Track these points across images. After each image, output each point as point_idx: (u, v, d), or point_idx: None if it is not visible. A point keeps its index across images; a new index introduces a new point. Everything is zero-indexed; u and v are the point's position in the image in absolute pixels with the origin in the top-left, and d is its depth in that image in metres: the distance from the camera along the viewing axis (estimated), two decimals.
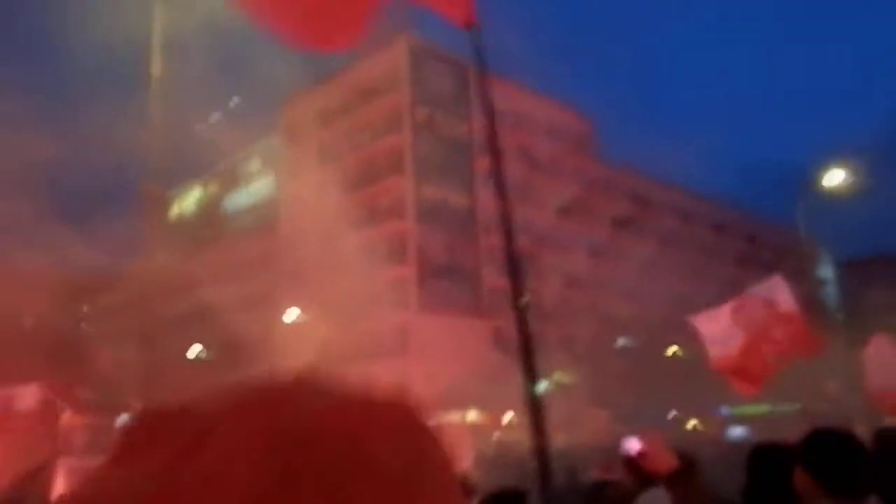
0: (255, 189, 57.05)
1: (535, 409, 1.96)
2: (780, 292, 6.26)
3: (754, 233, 67.13)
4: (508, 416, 34.26)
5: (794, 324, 6.04)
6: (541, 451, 1.95)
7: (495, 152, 2.36)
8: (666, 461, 4.27)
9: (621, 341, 48.67)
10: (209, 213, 60.53)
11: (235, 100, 50.50)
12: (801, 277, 67.33)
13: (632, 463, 4.47)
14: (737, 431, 30.65)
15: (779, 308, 6.10)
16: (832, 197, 26.54)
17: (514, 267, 2.13)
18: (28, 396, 8.99)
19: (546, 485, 1.99)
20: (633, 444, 5.48)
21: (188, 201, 63.19)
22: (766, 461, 3.19)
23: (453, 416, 34.81)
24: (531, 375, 1.99)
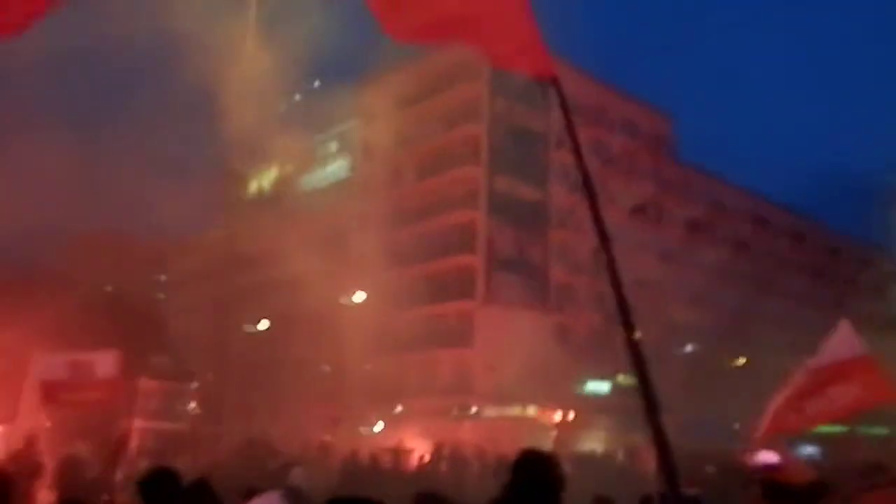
0: (330, 171, 58.04)
1: (660, 438, 1.97)
2: (846, 342, 6.08)
3: (836, 245, 64.48)
4: (559, 415, 34.00)
5: (867, 371, 5.85)
6: (669, 475, 1.97)
7: (591, 194, 2.37)
8: (803, 474, 4.31)
9: (686, 348, 47.59)
10: (285, 191, 61.92)
11: (316, 82, 51.35)
12: (880, 295, 64.68)
13: (765, 475, 4.52)
14: (807, 450, 29.54)
15: (845, 359, 5.93)
16: None
17: (623, 304, 2.13)
18: (107, 363, 9.44)
19: (674, 490, 2.02)
20: (768, 457, 5.52)
21: (266, 179, 64.80)
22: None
23: (512, 410, 34.85)
24: (651, 407, 2.00)
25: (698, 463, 13.65)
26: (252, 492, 4.70)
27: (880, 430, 37.16)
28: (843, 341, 6.10)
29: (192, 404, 37.60)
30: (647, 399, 2.00)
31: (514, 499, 3.00)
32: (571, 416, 33.91)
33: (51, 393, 9.24)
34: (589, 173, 2.38)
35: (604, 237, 2.20)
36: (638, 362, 2.02)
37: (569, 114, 2.43)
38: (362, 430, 31.74)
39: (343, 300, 43.06)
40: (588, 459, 16.50)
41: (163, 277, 55.14)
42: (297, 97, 53.56)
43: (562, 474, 3.07)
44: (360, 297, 41.31)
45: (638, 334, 2.20)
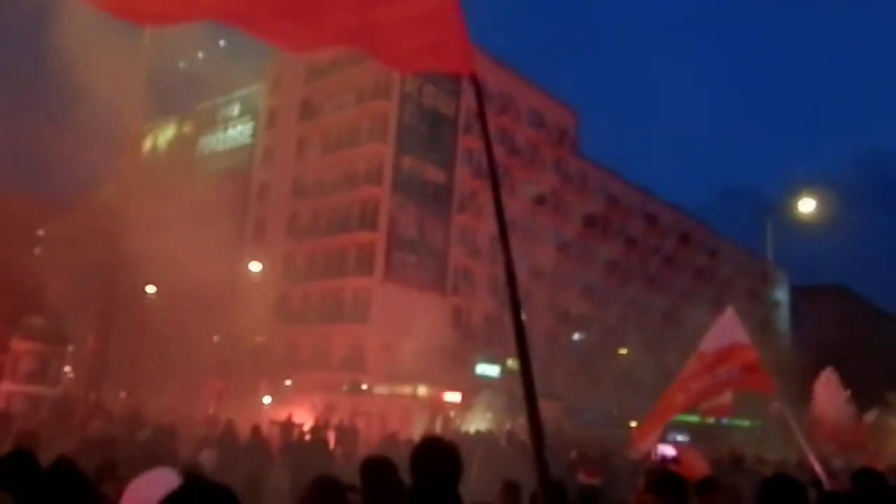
0: (231, 135, 56.24)
1: (535, 421, 2.02)
2: (729, 328, 6.44)
3: (716, 248, 68.22)
4: (452, 396, 34.56)
5: (748, 357, 6.21)
6: (540, 460, 2.02)
7: (495, 183, 2.39)
8: (699, 468, 4.32)
9: (575, 336, 49.35)
10: (182, 152, 59.52)
11: (223, 42, 49.46)
12: (756, 298, 69.01)
13: (656, 467, 4.49)
14: (678, 438, 31.46)
15: (730, 343, 6.27)
16: (801, 223, 27.13)
17: (516, 306, 2.16)
18: None
19: (545, 480, 2.07)
20: (668, 450, 5.67)
21: (161, 138, 62.06)
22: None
23: (404, 389, 35.03)
24: (530, 393, 2.04)
25: (585, 449, 14.20)
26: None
27: (742, 422, 39.94)
28: (728, 327, 6.41)
29: (68, 368, 35.80)
30: (527, 387, 2.07)
31: (417, 486, 3.03)
32: (461, 397, 34.49)
33: None
34: (496, 163, 2.41)
35: (503, 226, 2.24)
36: (522, 349, 2.08)
37: (483, 108, 2.46)
38: (252, 402, 31.16)
39: (238, 270, 41.98)
40: (479, 441, 16.84)
41: (41, 233, 51.97)
42: (200, 55, 51.43)
43: (460, 460, 3.13)
44: (255, 267, 40.38)
45: (524, 318, 2.26)
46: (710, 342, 6.41)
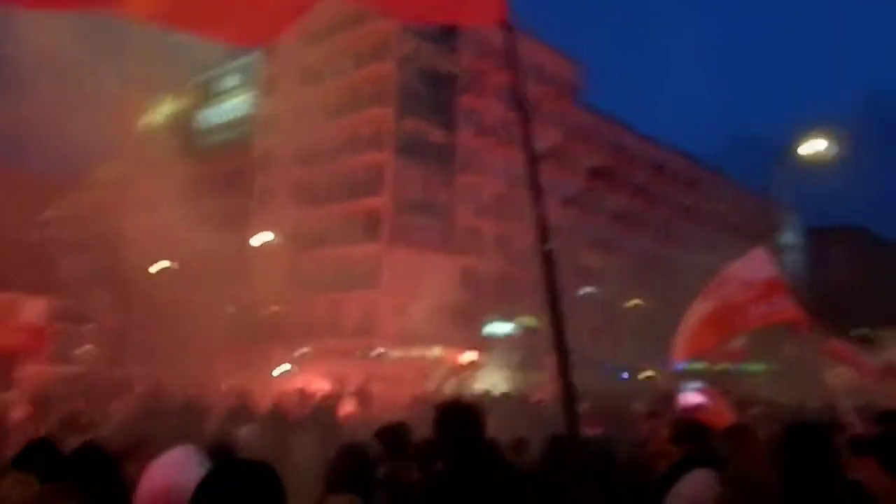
0: (230, 106, 55.83)
1: (566, 379, 1.98)
2: (761, 264, 6.31)
3: (727, 194, 67.72)
4: (467, 356, 34.79)
5: (778, 292, 6.11)
6: (570, 418, 1.99)
7: (531, 154, 2.33)
8: (724, 416, 4.05)
9: (587, 290, 49.33)
10: (180, 126, 59.17)
11: None
12: (765, 242, 68.42)
13: (682, 417, 4.28)
14: (692, 385, 31.58)
15: (758, 279, 6.16)
16: (808, 165, 26.79)
17: (548, 265, 2.12)
18: (35, 309, 8.84)
19: (574, 438, 2.04)
20: (692, 397, 5.38)
21: (159, 112, 61.65)
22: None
23: (418, 352, 35.29)
24: (562, 354, 1.99)
25: (604, 402, 14.21)
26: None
27: (757, 367, 40.03)
28: (756, 263, 6.29)
29: (88, 346, 36.14)
30: (558, 342, 2.03)
31: (442, 452, 3.02)
32: (475, 356, 34.70)
33: None
34: (531, 137, 2.35)
35: (536, 189, 2.19)
36: (555, 314, 2.04)
37: (520, 71, 2.37)
38: (265, 372, 31.49)
39: (247, 240, 42.04)
40: (497, 400, 16.88)
41: (51, 214, 52.11)
42: None
43: (483, 422, 3.10)
44: (265, 237, 40.40)
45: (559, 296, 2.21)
46: (734, 273, 6.29)
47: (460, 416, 3.09)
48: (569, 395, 1.96)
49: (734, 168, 74.08)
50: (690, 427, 3.75)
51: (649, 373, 40.65)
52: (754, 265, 6.31)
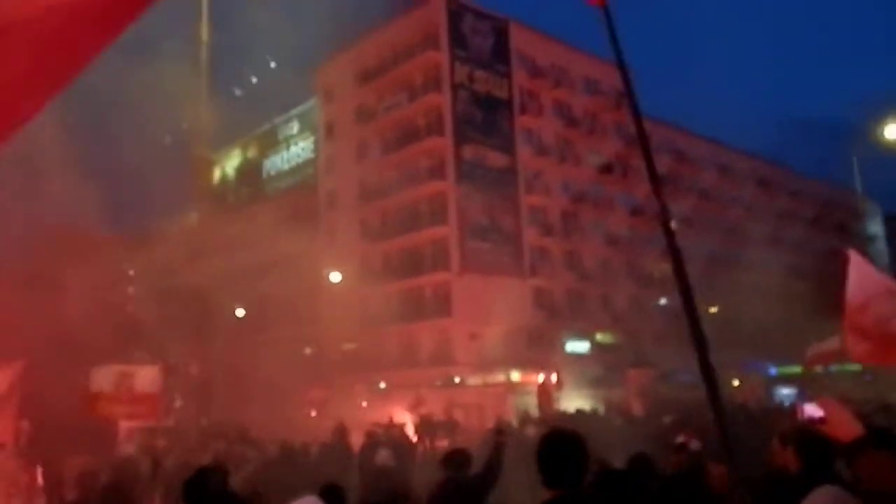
0: (293, 151, 57.45)
1: (710, 376, 2.00)
2: (868, 274, 5.97)
3: (797, 188, 65.49)
4: (541, 377, 34.36)
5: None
6: (718, 414, 2.01)
7: (653, 175, 2.36)
8: (850, 429, 3.82)
9: (662, 302, 48.25)
10: (249, 176, 61.18)
11: (272, 63, 50.48)
12: (846, 233, 65.85)
13: (805, 430, 4.08)
14: (784, 392, 30.34)
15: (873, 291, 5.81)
16: (890, 149, 25.60)
17: (677, 257, 2.15)
18: (148, 377, 9.32)
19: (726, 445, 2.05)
20: (814, 410, 5.15)
21: (229, 165, 63.94)
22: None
23: (496, 377, 35.09)
24: (705, 365, 2.01)
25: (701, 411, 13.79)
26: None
27: (854, 367, 38.13)
28: (863, 275, 5.93)
29: (178, 401, 37.13)
30: (698, 341, 2.04)
31: (551, 481, 2.98)
32: (554, 377, 34.30)
33: (95, 404, 9.13)
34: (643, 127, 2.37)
35: (657, 186, 2.22)
36: (694, 323, 2.05)
37: (620, 51, 2.38)
38: (349, 408, 31.85)
39: (320, 281, 42.88)
40: (584, 419, 16.64)
41: (131, 272, 54.34)
42: (254, 80, 52.65)
43: (586, 449, 3.06)
44: (336, 276, 41.13)
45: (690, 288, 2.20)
46: (855, 297, 5.90)
47: (564, 443, 3.07)
48: (717, 407, 1.96)
49: (804, 156, 71.49)
50: (813, 440, 3.56)
51: (736, 382, 39.31)
52: (863, 280, 5.91)
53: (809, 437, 3.63)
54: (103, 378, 9.09)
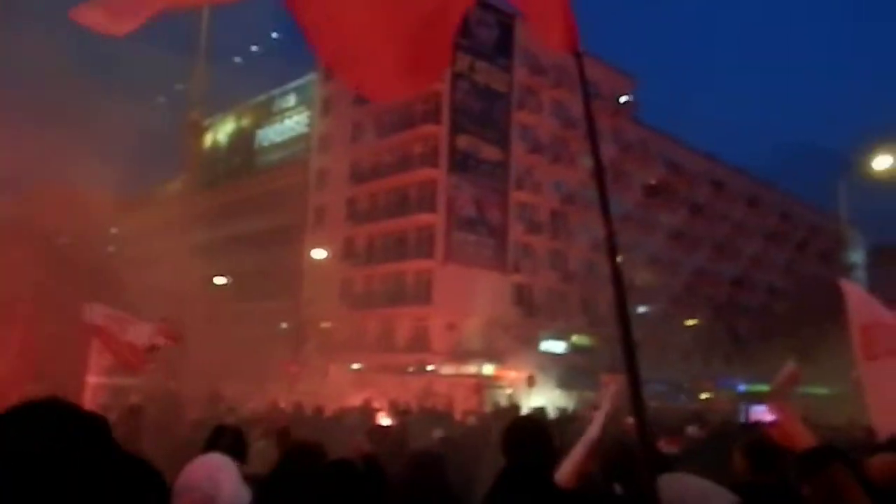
0: (287, 125, 57.05)
1: (637, 395, 1.97)
2: (865, 303, 5.91)
3: (788, 210, 66.02)
4: (517, 373, 34.50)
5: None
6: (643, 439, 1.98)
7: (601, 180, 2.33)
8: (803, 438, 3.72)
9: (641, 308, 48.54)
10: (241, 145, 60.75)
11: (274, 35, 50.03)
12: (829, 260, 66.42)
13: (755, 436, 4.06)
14: (758, 409, 30.50)
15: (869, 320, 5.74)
16: (876, 181, 25.89)
17: (618, 282, 2.10)
18: (144, 332, 9.21)
19: (649, 456, 2.02)
20: (762, 413, 5.09)
21: (222, 132, 63.42)
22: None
23: (469, 369, 35.18)
24: (633, 376, 1.98)
25: (674, 420, 13.91)
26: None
27: (821, 390, 38.60)
28: (860, 304, 5.86)
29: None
30: (629, 362, 2.01)
31: (514, 468, 2.94)
32: (527, 374, 34.43)
33: (102, 340, 9.05)
34: (601, 160, 2.36)
35: (608, 218, 2.19)
36: (626, 332, 2.02)
37: (589, 98, 2.42)
38: (320, 387, 31.81)
39: (302, 258, 42.73)
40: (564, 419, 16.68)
41: (114, 231, 53.86)
42: (255, 49, 52.21)
43: (552, 441, 3.03)
44: (319, 254, 40.99)
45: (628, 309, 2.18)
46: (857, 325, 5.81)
47: (528, 437, 3.03)
48: (640, 414, 1.93)
49: (795, 181, 71.94)
50: (766, 451, 3.44)
51: (707, 395, 39.67)
52: (861, 309, 5.83)
53: (755, 439, 3.55)
54: (97, 314, 8.99)
